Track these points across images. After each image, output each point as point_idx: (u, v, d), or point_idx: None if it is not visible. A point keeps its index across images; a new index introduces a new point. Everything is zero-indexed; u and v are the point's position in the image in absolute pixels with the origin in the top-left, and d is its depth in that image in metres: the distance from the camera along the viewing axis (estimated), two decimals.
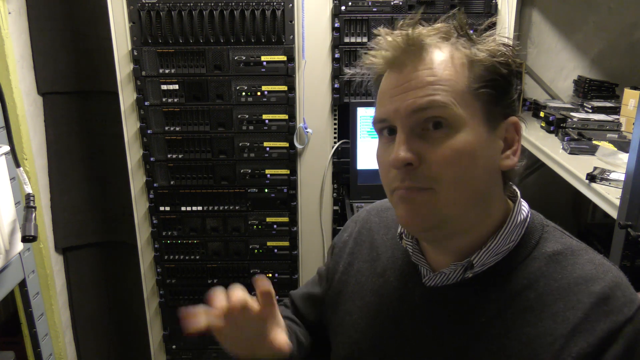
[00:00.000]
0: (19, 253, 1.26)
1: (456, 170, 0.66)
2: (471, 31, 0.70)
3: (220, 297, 0.71)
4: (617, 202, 1.23)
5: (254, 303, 0.72)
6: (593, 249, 0.74)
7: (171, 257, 1.92)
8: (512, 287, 0.70)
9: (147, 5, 1.68)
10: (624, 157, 1.47)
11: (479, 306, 0.71)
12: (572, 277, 0.68)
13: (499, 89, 0.69)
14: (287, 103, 1.78)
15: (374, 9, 1.73)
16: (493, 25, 0.74)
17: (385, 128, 0.71)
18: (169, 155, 1.83)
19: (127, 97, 1.77)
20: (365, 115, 1.79)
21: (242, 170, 1.85)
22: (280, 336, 0.77)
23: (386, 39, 0.70)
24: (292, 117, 1.80)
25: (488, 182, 0.71)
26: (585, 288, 0.67)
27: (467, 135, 0.66)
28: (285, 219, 1.91)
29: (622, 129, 1.79)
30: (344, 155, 1.87)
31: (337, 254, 0.94)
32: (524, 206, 0.76)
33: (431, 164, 0.66)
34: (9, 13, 1.66)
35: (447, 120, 0.66)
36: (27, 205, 1.20)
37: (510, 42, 0.70)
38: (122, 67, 1.74)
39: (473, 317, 0.71)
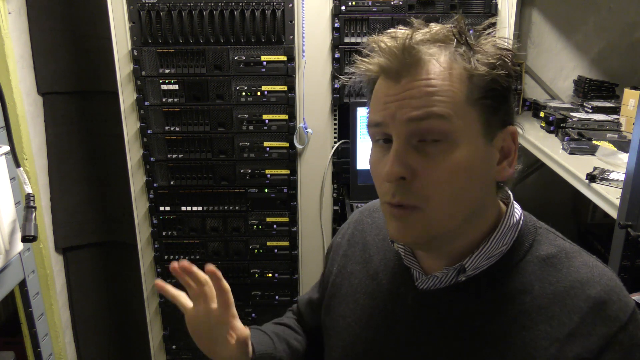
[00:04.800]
0: (19, 253, 1.26)
1: (450, 188, 0.65)
2: (470, 31, 0.68)
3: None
4: (617, 202, 1.23)
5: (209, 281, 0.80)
6: (587, 250, 0.74)
7: (171, 257, 1.92)
8: (506, 290, 0.70)
9: (147, 5, 1.68)
10: (624, 157, 1.48)
11: (472, 310, 0.71)
12: (568, 280, 0.68)
13: (499, 98, 0.66)
14: (287, 103, 1.78)
15: (374, 9, 1.73)
16: (492, 26, 0.71)
17: (379, 135, 0.69)
18: (169, 155, 1.83)
19: (127, 97, 1.77)
20: (365, 116, 1.79)
21: (242, 170, 1.85)
22: (237, 323, 0.82)
23: (381, 47, 0.67)
24: (292, 117, 1.80)
25: (482, 195, 0.69)
26: (582, 292, 0.66)
27: (465, 150, 0.64)
28: (285, 219, 1.91)
29: (622, 129, 1.79)
30: (344, 155, 1.87)
31: (332, 257, 0.94)
32: (517, 208, 0.75)
33: (424, 181, 0.64)
34: (9, 13, 1.66)
35: (444, 133, 0.63)
36: (27, 205, 1.20)
37: (510, 46, 0.68)
38: (122, 67, 1.74)
39: (467, 320, 0.71)
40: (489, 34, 0.68)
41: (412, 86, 0.64)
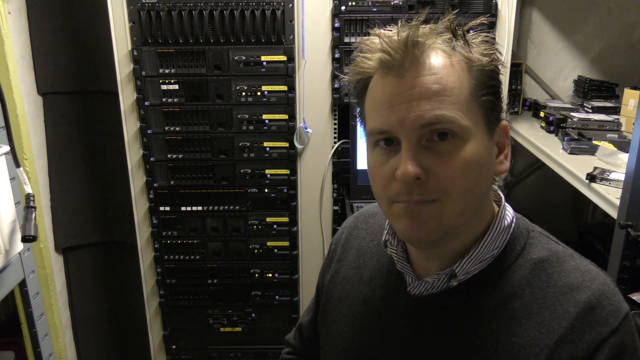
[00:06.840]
0: (19, 253, 1.26)
1: (465, 181, 0.65)
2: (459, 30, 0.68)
3: None
4: (617, 202, 1.23)
5: None
6: (586, 251, 0.73)
7: (171, 257, 1.92)
8: (497, 295, 0.69)
9: (147, 5, 1.68)
10: (624, 157, 1.48)
11: (464, 315, 0.70)
12: (558, 285, 0.67)
13: (496, 94, 0.68)
14: (287, 103, 1.78)
15: (374, 9, 1.73)
16: (485, 25, 0.72)
17: (382, 139, 0.68)
18: (169, 155, 1.83)
19: (127, 97, 1.77)
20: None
21: (242, 170, 1.85)
22: None
23: (383, 40, 0.65)
24: (292, 117, 1.80)
25: (487, 189, 0.70)
26: (571, 297, 0.66)
27: (474, 145, 0.65)
28: (285, 219, 1.91)
29: (622, 129, 1.79)
30: (344, 155, 1.87)
31: (326, 263, 0.94)
32: (509, 211, 0.74)
33: (440, 177, 0.64)
34: (9, 13, 1.66)
35: (455, 132, 0.64)
36: (27, 205, 1.20)
37: (494, 40, 0.69)
38: (122, 67, 1.74)
39: (458, 326, 0.70)
40: (481, 31, 0.69)
41: (418, 83, 0.63)
